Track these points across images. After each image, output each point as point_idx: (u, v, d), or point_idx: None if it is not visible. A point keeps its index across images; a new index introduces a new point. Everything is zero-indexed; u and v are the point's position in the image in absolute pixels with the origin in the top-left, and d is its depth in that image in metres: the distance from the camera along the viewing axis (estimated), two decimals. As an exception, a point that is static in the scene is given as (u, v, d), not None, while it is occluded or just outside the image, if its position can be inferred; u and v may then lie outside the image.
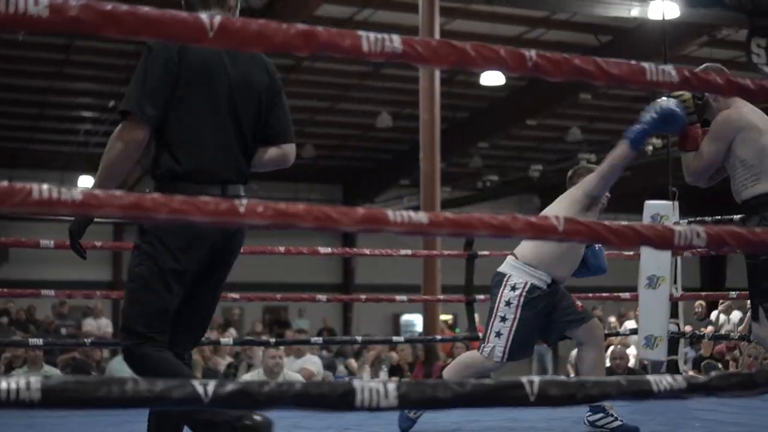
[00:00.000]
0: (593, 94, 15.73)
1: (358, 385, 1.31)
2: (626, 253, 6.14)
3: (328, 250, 6.49)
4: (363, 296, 7.35)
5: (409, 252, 6.71)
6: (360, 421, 4.19)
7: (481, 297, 6.38)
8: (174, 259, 2.64)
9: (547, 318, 4.04)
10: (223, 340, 6.33)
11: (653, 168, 13.92)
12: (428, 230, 1.45)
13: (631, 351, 9.39)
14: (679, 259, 5.65)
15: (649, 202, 5.47)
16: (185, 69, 2.64)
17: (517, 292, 3.94)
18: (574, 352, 11.40)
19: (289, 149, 2.85)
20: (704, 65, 3.71)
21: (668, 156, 5.97)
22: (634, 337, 8.36)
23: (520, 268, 3.97)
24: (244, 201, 1.38)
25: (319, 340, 7.17)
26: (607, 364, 7.50)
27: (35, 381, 1.17)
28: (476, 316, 6.80)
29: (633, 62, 1.65)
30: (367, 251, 6.70)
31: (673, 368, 5.65)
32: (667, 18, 8.55)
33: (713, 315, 10.96)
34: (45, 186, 1.28)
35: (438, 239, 8.71)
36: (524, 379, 1.39)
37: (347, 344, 11.51)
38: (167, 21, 1.36)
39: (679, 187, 5.54)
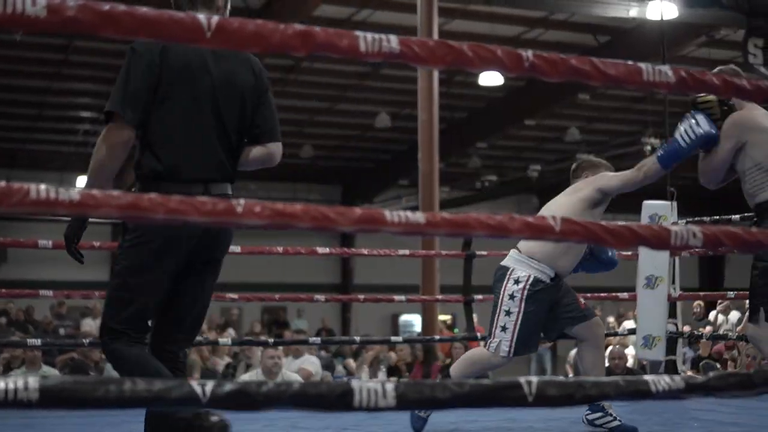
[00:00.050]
0: (592, 94, 15.75)
1: (357, 386, 1.31)
2: (624, 253, 6.14)
3: (326, 250, 6.48)
4: (361, 296, 7.34)
5: (407, 252, 6.71)
6: (358, 421, 4.18)
7: (480, 297, 6.39)
8: (154, 257, 2.67)
9: (549, 313, 4.02)
10: (222, 340, 6.33)
11: (652, 168, 13.91)
12: (425, 230, 1.45)
13: (630, 351, 9.41)
14: (677, 259, 5.66)
15: (647, 202, 5.48)
16: (167, 69, 2.66)
17: (521, 286, 3.92)
18: (573, 352, 11.43)
19: (275, 148, 2.87)
20: (718, 68, 3.67)
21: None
22: (632, 337, 8.38)
23: (523, 262, 3.96)
24: (242, 201, 1.38)
25: (318, 340, 7.17)
26: (606, 364, 7.50)
27: (33, 381, 1.17)
28: (475, 316, 6.80)
29: (630, 63, 1.65)
30: (365, 251, 6.71)
31: (671, 368, 5.65)
32: (665, 18, 8.55)
33: (712, 315, 10.98)
34: (43, 186, 1.29)
35: (437, 239, 8.72)
36: (522, 380, 1.39)
37: (346, 344, 11.52)
38: (165, 21, 1.36)
39: (677, 188, 5.55)
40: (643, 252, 5.27)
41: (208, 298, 2.87)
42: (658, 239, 1.58)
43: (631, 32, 13.28)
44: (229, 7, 2.86)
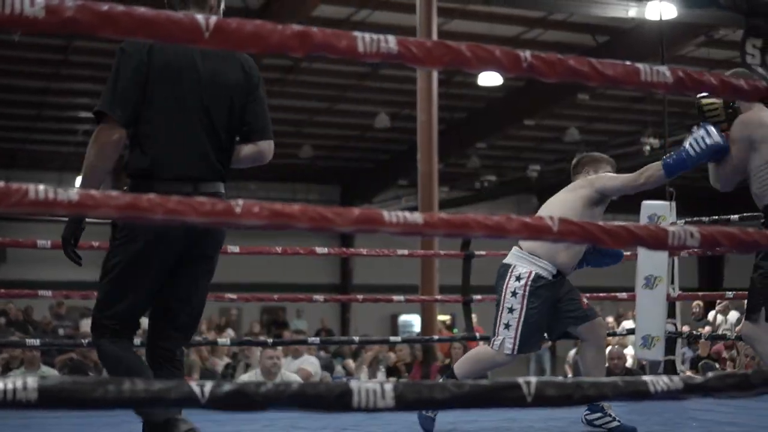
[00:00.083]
0: (591, 94, 15.75)
1: (355, 386, 1.31)
2: (624, 252, 6.14)
3: (325, 250, 6.48)
4: (360, 296, 7.34)
5: (406, 252, 6.71)
6: (357, 421, 4.18)
7: (479, 297, 6.39)
8: (142, 254, 2.69)
9: (552, 311, 4.01)
10: (221, 340, 6.33)
11: (651, 168, 13.92)
12: (423, 231, 1.45)
13: (629, 351, 9.40)
14: (676, 259, 5.66)
15: (646, 203, 5.47)
16: (153, 68, 2.68)
17: (522, 282, 3.92)
18: (572, 353, 11.44)
19: (265, 146, 2.87)
20: (732, 71, 3.65)
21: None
22: (631, 337, 8.38)
23: (524, 258, 3.96)
24: (240, 201, 1.39)
25: (317, 340, 7.17)
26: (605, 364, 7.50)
27: (32, 381, 1.17)
28: (474, 316, 6.79)
29: (627, 63, 1.65)
30: (364, 251, 6.70)
31: (670, 368, 5.66)
32: (664, 18, 8.55)
33: (711, 315, 10.99)
34: (41, 186, 1.29)
35: (436, 239, 8.72)
36: (521, 380, 1.39)
37: (345, 345, 11.52)
38: (163, 22, 1.37)
39: (676, 188, 5.54)
40: (642, 252, 5.27)
41: (203, 295, 2.87)
42: (655, 239, 1.59)
43: (630, 32, 13.29)
44: (222, 6, 2.86)
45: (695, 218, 5.87)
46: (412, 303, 9.58)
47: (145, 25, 1.35)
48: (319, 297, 6.54)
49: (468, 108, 16.86)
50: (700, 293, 10.51)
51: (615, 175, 4.05)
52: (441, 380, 2.17)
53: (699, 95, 3.68)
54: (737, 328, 8.88)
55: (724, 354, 9.14)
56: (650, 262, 5.39)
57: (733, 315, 10.46)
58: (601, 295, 6.78)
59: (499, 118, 16.91)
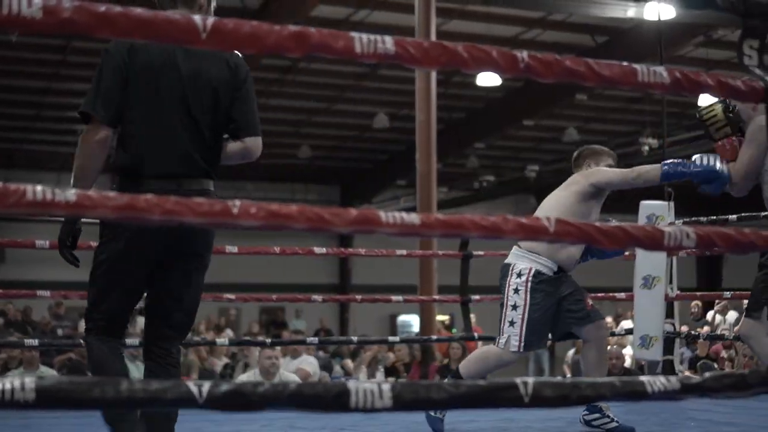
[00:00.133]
0: (589, 94, 15.76)
1: (353, 386, 1.32)
2: (622, 253, 6.15)
3: (324, 250, 6.48)
4: (359, 297, 7.33)
5: (405, 252, 6.71)
6: (355, 421, 4.18)
7: (477, 297, 6.39)
8: (124, 252, 2.71)
9: (556, 309, 4.01)
10: (219, 340, 6.33)
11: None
12: (420, 231, 1.45)
13: (628, 351, 9.41)
14: (674, 259, 5.66)
15: (644, 203, 5.47)
16: (134, 68, 2.69)
17: (523, 278, 3.94)
18: (571, 353, 11.44)
19: (252, 143, 2.85)
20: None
21: (664, 156, 5.98)
22: (630, 337, 8.37)
23: (524, 256, 3.98)
24: (237, 202, 1.39)
25: (316, 340, 7.16)
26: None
27: (30, 381, 1.17)
28: (472, 316, 6.79)
29: (625, 63, 1.65)
30: (362, 251, 6.70)
31: (669, 368, 5.66)
32: (662, 19, 8.55)
33: (709, 315, 10.99)
34: (39, 187, 1.29)
35: (434, 240, 8.72)
36: (518, 380, 1.40)
37: (344, 345, 11.51)
38: (160, 22, 1.37)
39: (674, 188, 5.54)
40: (641, 252, 5.27)
41: (196, 293, 2.86)
42: (652, 240, 1.59)
43: (628, 32, 13.30)
44: (213, 5, 2.86)
45: (693, 218, 5.88)
46: (411, 303, 9.58)
47: (142, 26, 1.36)
48: (318, 297, 6.54)
49: (466, 108, 16.87)
50: (698, 293, 10.53)
51: (609, 169, 4.05)
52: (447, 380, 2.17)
53: (700, 108, 3.69)
54: (735, 328, 8.88)
55: (723, 354, 9.14)
56: (648, 262, 5.39)
57: (732, 315, 10.46)
58: (599, 295, 6.76)
59: (498, 118, 16.91)
